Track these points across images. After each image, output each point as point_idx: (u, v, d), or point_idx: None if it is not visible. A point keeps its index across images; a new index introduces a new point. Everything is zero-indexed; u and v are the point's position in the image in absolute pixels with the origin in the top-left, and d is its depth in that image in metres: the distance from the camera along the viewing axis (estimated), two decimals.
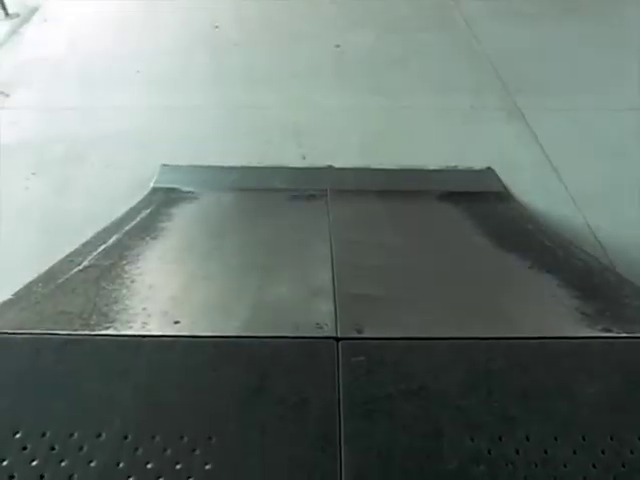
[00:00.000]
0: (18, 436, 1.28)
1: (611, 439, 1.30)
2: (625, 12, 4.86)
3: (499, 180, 2.89)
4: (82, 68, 3.90)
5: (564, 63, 4.02)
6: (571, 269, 2.19)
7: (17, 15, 4.58)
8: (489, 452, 1.27)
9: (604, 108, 3.51)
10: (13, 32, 4.36)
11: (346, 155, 3.08)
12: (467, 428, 1.32)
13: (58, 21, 4.57)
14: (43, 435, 1.29)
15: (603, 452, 1.28)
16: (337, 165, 2.99)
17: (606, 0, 5.08)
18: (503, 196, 2.79)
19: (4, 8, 4.51)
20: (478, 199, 2.74)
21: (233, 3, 4.90)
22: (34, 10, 4.71)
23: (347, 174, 2.93)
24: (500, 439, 1.30)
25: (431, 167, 2.98)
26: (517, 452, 1.27)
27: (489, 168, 2.97)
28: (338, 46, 4.21)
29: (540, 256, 2.24)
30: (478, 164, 3.01)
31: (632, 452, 1.28)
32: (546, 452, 1.27)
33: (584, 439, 1.30)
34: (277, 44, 4.23)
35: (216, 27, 4.50)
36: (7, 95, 3.57)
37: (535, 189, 2.85)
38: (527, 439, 1.30)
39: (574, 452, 1.28)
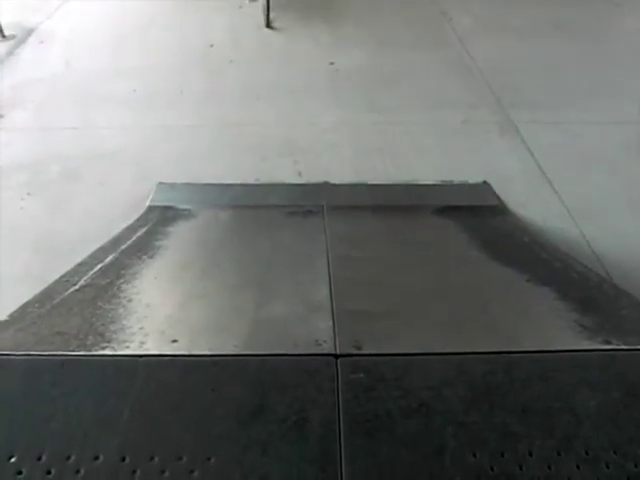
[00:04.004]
0: (13, 460, 1.26)
1: (615, 453, 1.29)
2: (612, 27, 4.94)
3: (495, 194, 2.90)
4: (78, 88, 3.92)
5: (555, 77, 4.07)
6: (569, 282, 2.19)
7: (13, 36, 4.61)
8: (492, 468, 1.26)
9: (596, 122, 3.55)
10: (9, 53, 4.39)
11: (342, 171, 3.09)
12: (469, 444, 1.31)
13: (54, 42, 4.60)
14: (39, 459, 1.26)
15: (607, 466, 1.26)
16: (333, 181, 3.00)
17: (594, 16, 5.16)
18: (499, 210, 2.79)
19: (0, 30, 4.54)
20: (474, 213, 2.75)
21: (227, 23, 4.95)
22: (30, 31, 4.75)
23: (343, 190, 2.94)
24: (502, 455, 1.29)
25: (427, 182, 3.00)
26: (520, 468, 1.26)
27: (485, 182, 2.99)
28: (332, 63, 4.25)
29: (537, 269, 2.24)
30: (473, 178, 3.02)
31: (636, 465, 1.27)
32: (549, 467, 1.26)
33: (587, 453, 1.29)
34: (271, 62, 4.27)
35: (211, 46, 4.54)
36: (2, 116, 3.58)
37: (530, 202, 2.86)
38: (530, 454, 1.29)
39: (577, 467, 1.26)
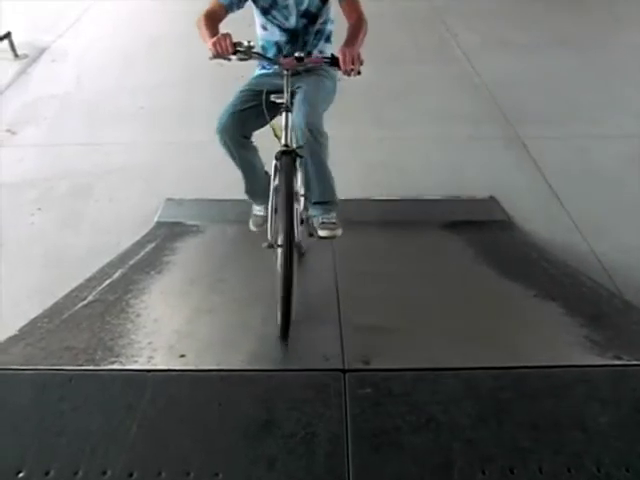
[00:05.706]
0: (21, 475, 1.26)
1: (627, 470, 1.27)
2: (615, 42, 4.96)
3: (502, 208, 2.89)
4: (88, 105, 3.97)
5: (560, 92, 4.07)
6: (578, 297, 2.17)
7: (26, 56, 4.69)
8: None
9: (601, 136, 3.54)
10: (22, 72, 4.46)
11: (348, 186, 3.08)
12: (478, 460, 1.29)
13: (65, 61, 4.68)
14: (47, 474, 1.26)
15: None
16: (339, 196, 3.00)
17: (596, 31, 5.19)
18: (506, 224, 2.79)
19: (13, 49, 4.63)
20: (481, 228, 2.74)
21: (236, 39, 5.01)
22: (42, 51, 4.83)
23: (349, 205, 2.94)
24: (512, 471, 1.27)
25: (434, 197, 2.99)
26: None
27: (492, 197, 2.98)
28: (338, 79, 4.28)
29: (546, 284, 2.22)
30: (480, 193, 3.02)
31: None
32: None
33: (599, 470, 1.27)
34: None
35: (220, 64, 4.59)
36: (14, 133, 3.63)
37: (538, 217, 2.85)
38: (540, 471, 1.27)
39: None
